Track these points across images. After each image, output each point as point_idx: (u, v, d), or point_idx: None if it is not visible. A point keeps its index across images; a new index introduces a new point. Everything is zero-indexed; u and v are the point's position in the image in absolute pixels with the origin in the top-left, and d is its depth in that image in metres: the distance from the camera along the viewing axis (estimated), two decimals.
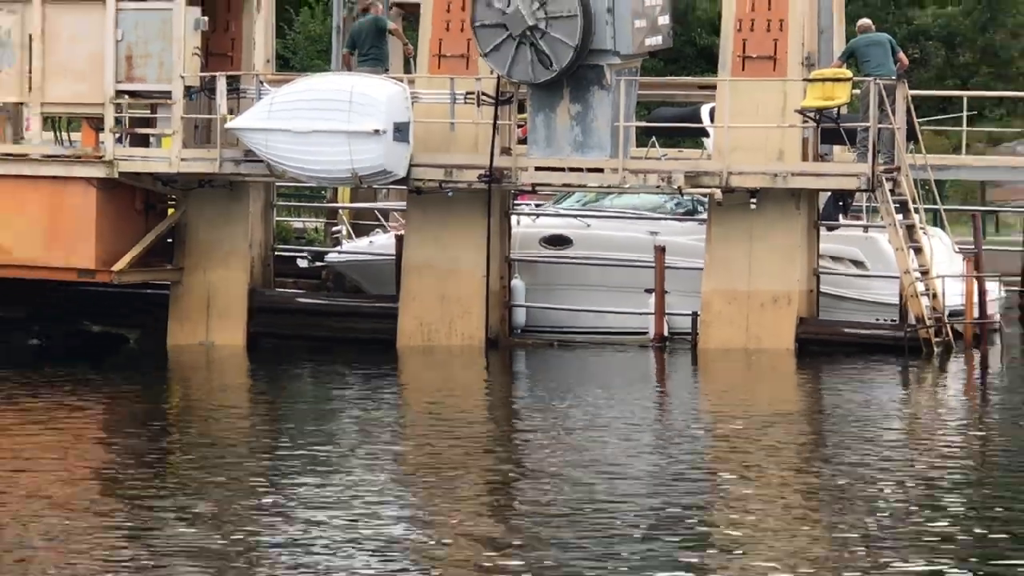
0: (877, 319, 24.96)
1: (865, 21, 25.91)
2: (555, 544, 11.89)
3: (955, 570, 10.82)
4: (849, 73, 23.56)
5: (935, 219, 25.74)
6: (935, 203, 25.23)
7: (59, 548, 11.65)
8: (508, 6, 22.96)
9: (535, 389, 22.94)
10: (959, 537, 11.91)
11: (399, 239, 25.44)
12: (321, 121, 23.32)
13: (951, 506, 13.28)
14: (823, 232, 24.72)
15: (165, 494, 14.10)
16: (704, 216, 24.47)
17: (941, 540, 11.98)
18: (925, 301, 22.86)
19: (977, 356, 23.80)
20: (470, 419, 19.33)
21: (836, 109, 23.36)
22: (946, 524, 12.69)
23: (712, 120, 25.36)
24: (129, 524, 12.67)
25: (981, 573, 10.81)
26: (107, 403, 21.09)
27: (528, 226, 26.18)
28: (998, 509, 13.33)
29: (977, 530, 12.31)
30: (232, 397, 22.21)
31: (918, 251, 23.09)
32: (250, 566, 11.08)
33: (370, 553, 11.56)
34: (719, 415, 19.73)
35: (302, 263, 27.90)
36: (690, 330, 23.95)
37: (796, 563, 11.48)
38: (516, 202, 26.74)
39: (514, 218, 25.70)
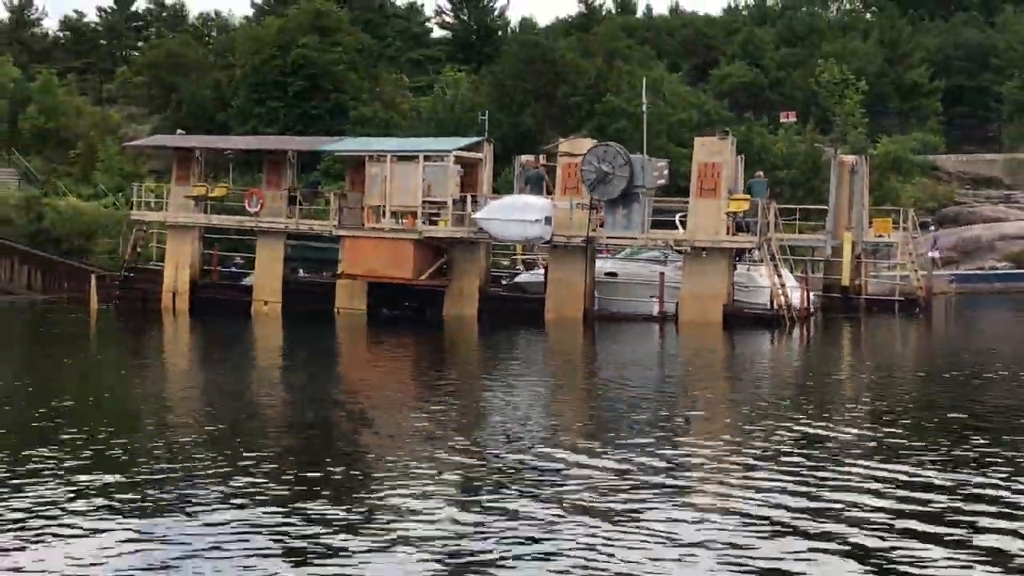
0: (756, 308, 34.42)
1: (760, 173, 38.43)
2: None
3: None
4: (748, 198, 34.72)
5: (788, 265, 36.55)
6: (787, 256, 36.44)
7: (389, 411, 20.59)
8: (598, 165, 34.52)
9: (603, 336, 32.94)
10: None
11: (546, 268, 36.41)
12: (513, 215, 34.77)
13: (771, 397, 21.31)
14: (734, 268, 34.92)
15: (455, 374, 24.92)
16: (682, 260, 34.78)
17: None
18: (782, 299, 33.89)
19: (804, 326, 34.07)
20: (576, 343, 32.12)
21: (742, 213, 34.44)
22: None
23: (684, 220, 35.70)
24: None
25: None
26: (419, 338, 32.43)
27: (601, 266, 36.27)
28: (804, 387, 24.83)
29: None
30: (471, 334, 33.77)
31: (779, 276, 34.15)
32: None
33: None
34: (687, 347, 30.99)
35: (503, 280, 39.46)
36: (675, 312, 34.55)
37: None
38: (598, 254, 36.13)
39: (597, 261, 35.72)
